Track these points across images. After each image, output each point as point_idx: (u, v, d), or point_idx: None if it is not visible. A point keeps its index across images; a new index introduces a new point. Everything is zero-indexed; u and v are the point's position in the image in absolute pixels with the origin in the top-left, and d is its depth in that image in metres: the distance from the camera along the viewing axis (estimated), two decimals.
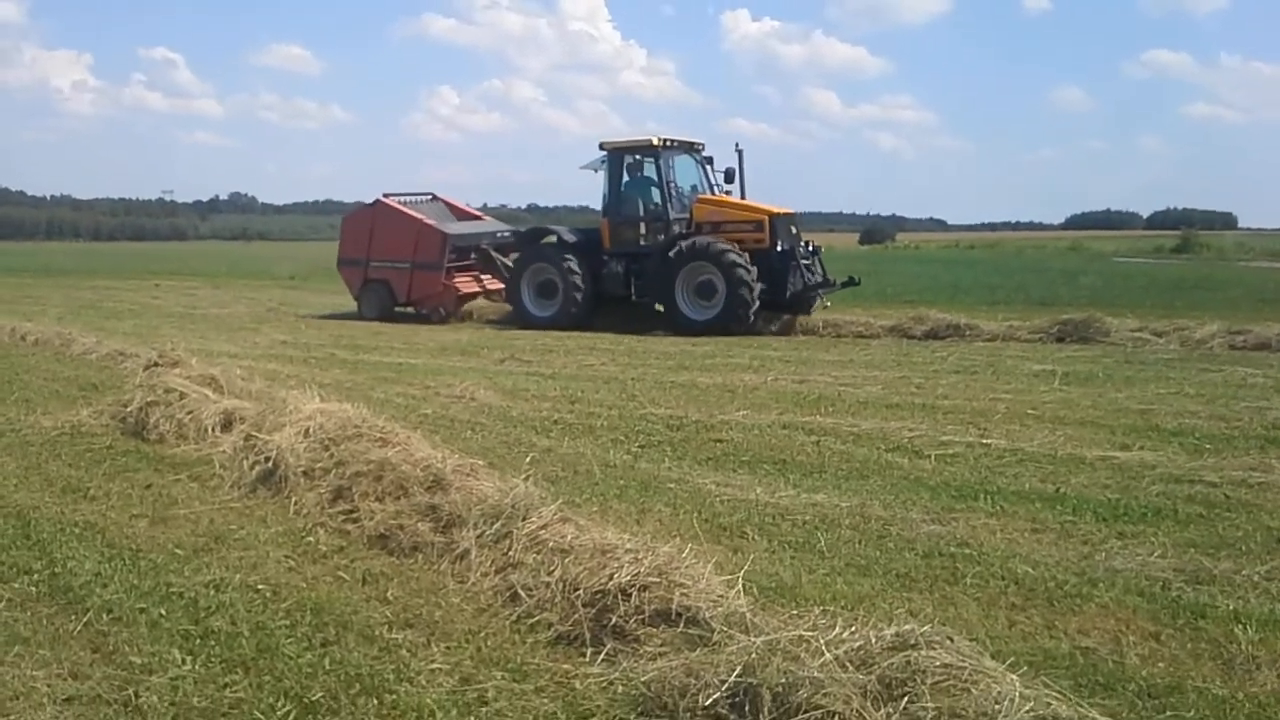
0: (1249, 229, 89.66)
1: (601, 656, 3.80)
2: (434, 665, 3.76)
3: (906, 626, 3.46)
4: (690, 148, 17.91)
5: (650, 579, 4.16)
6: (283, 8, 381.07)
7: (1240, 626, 4.02)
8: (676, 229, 16.81)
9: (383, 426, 6.48)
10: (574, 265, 16.99)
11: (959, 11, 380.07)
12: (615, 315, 17.11)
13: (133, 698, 3.52)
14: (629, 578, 4.17)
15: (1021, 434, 7.78)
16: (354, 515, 5.51)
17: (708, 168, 17.89)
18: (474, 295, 19.31)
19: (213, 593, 4.50)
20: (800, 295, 16.39)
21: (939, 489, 6.25)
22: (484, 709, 3.46)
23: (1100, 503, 5.83)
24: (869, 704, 3.12)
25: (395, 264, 18.90)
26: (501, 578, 4.60)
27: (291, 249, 69.66)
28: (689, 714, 3.30)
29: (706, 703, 3.29)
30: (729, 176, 17.13)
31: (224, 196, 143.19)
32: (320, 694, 3.54)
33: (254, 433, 6.85)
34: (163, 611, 4.28)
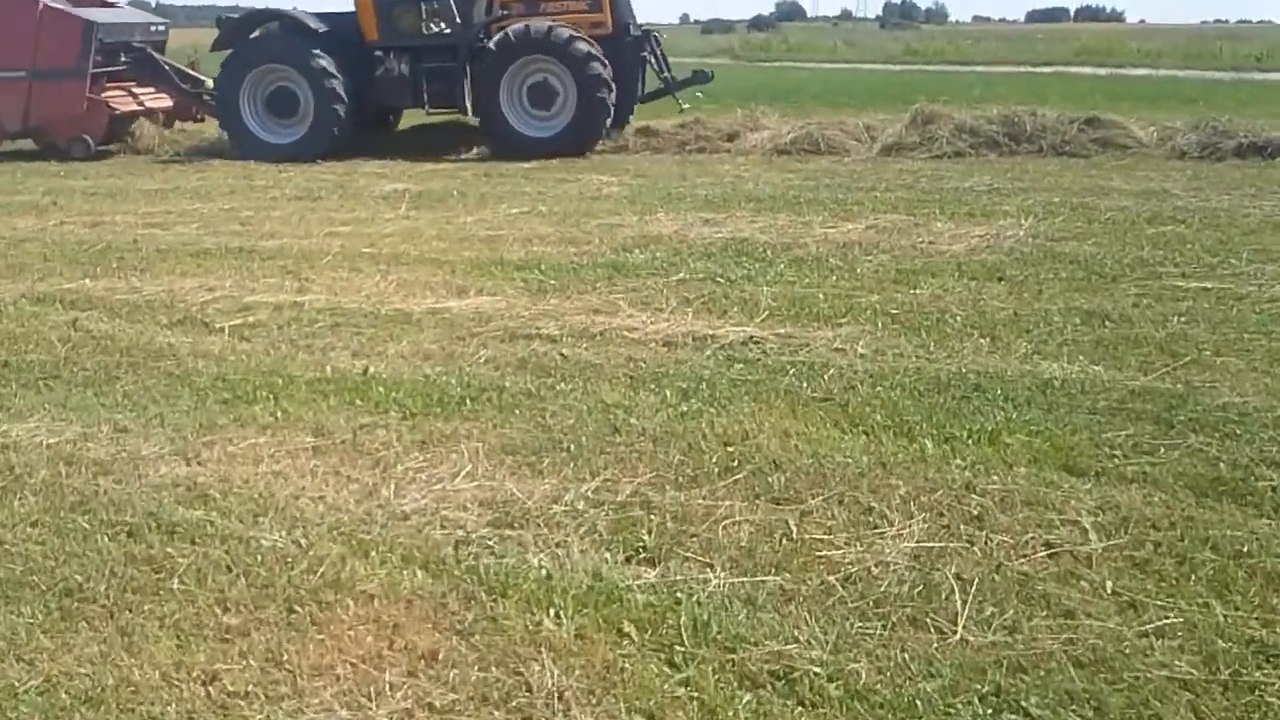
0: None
1: None
2: None
3: None
4: None
5: None
6: None
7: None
8: (480, 12, 12.24)
9: None
10: (329, 65, 11.77)
11: None
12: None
13: None
14: None
15: (348, 284, 6.32)
16: None
17: None
18: (133, 116, 13.23)
19: None
20: (649, 98, 12.93)
21: (209, 390, 4.54)
22: None
23: (413, 388, 4.52)
24: None
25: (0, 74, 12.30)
26: None
27: None
28: None
29: None
30: None
31: None
32: None
33: None
34: None
